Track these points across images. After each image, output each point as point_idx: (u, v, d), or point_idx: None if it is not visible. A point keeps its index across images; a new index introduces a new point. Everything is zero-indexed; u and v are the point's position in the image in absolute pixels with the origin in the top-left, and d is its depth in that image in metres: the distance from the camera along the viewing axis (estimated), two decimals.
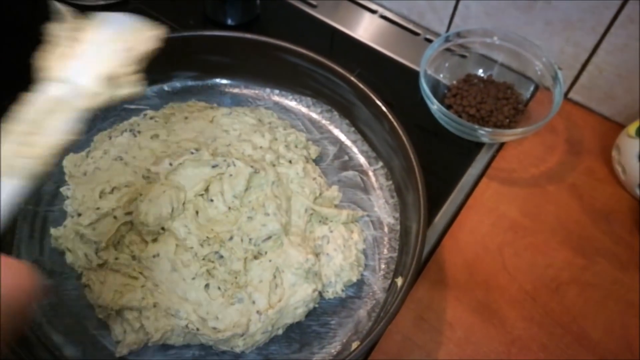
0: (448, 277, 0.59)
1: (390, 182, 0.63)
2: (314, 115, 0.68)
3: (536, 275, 0.59)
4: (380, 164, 0.64)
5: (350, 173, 0.64)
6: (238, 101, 0.68)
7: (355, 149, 0.66)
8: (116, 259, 0.51)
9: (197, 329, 0.48)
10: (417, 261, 0.51)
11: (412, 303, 0.57)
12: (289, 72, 0.67)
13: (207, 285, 0.50)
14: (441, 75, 0.73)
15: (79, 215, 0.53)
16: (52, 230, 0.54)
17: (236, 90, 0.70)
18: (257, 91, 0.69)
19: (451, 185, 0.66)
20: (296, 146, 0.62)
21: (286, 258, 0.51)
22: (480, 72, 0.74)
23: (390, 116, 0.60)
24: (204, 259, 0.51)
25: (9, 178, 0.27)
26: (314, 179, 0.58)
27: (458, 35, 0.72)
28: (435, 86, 0.71)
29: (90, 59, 0.32)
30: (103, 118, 0.65)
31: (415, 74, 0.71)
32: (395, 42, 0.80)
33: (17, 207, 0.27)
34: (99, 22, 0.35)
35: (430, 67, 0.71)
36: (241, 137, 0.59)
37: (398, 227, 0.60)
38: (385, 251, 0.59)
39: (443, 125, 0.70)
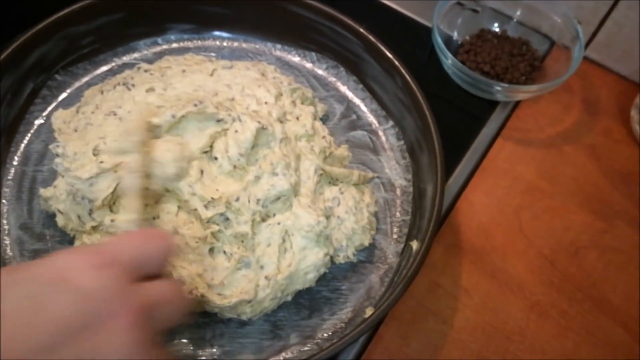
0: (463, 241, 0.56)
1: (402, 142, 0.59)
2: (319, 72, 0.64)
3: (555, 239, 0.57)
4: (391, 123, 0.60)
5: (358, 133, 0.60)
6: (238, 56, 0.64)
7: (363, 107, 0.62)
8: (112, 220, 0.48)
9: (202, 296, 0.45)
10: (435, 224, 0.48)
11: (425, 268, 0.53)
12: (292, 24, 0.62)
13: (211, 249, 0.47)
14: (454, 32, 0.69)
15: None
16: (42, 191, 0.50)
17: (235, 45, 0.65)
18: (257, 45, 0.65)
19: (464, 146, 0.63)
20: (302, 102, 0.58)
21: (296, 220, 0.48)
22: (494, 27, 0.70)
23: (403, 71, 0.56)
24: (208, 222, 0.47)
25: None
26: (324, 137, 0.54)
27: None
28: (447, 42, 0.67)
29: None
30: (93, 72, 0.61)
31: (424, 30, 0.68)
32: None
33: None
34: None
35: (441, 23, 0.67)
36: (244, 91, 0.55)
37: (410, 189, 0.57)
38: (398, 214, 0.55)
39: (455, 84, 0.66)
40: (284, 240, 0.48)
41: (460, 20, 0.69)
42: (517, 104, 0.67)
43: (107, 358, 0.30)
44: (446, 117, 0.63)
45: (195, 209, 0.47)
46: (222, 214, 0.47)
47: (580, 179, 0.61)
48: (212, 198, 0.47)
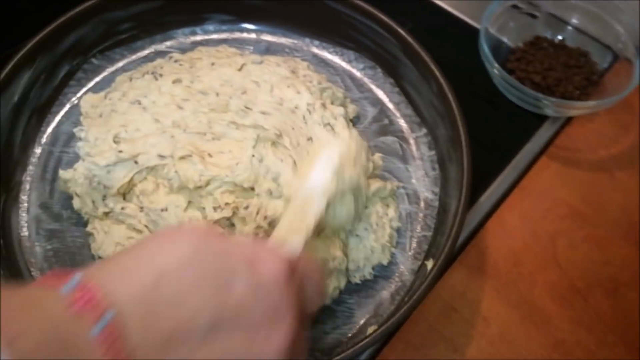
0: (488, 265, 0.52)
1: (433, 152, 0.56)
2: (355, 72, 0.61)
3: (592, 272, 0.52)
4: (424, 130, 0.57)
5: (389, 139, 0.57)
6: (274, 50, 0.62)
7: (397, 112, 0.59)
8: (122, 208, 0.47)
9: None
10: (452, 243, 0.45)
11: (442, 290, 0.50)
12: (331, 20, 0.60)
13: None
14: (505, 36, 0.64)
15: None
16: (61, 172, 0.51)
17: (274, 39, 0.63)
18: (295, 40, 0.63)
19: (504, 162, 0.59)
20: (332, 102, 0.55)
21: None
22: (550, 34, 0.64)
23: (438, 75, 0.52)
24: (214, 223, 0.46)
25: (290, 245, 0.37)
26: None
27: None
28: (497, 47, 0.63)
29: (320, 167, 0.43)
30: (129, 58, 0.61)
31: (476, 32, 0.63)
32: None
33: None
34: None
35: (492, 26, 0.62)
36: (273, 91, 0.53)
37: (436, 204, 0.53)
38: (419, 229, 0.52)
39: (502, 93, 0.62)
40: None
41: (513, 24, 0.64)
42: (569, 120, 0.61)
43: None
44: (488, 128, 0.60)
45: (204, 208, 0.46)
46: (228, 219, 0.46)
47: (630, 208, 0.55)
48: (226, 203, 0.46)
